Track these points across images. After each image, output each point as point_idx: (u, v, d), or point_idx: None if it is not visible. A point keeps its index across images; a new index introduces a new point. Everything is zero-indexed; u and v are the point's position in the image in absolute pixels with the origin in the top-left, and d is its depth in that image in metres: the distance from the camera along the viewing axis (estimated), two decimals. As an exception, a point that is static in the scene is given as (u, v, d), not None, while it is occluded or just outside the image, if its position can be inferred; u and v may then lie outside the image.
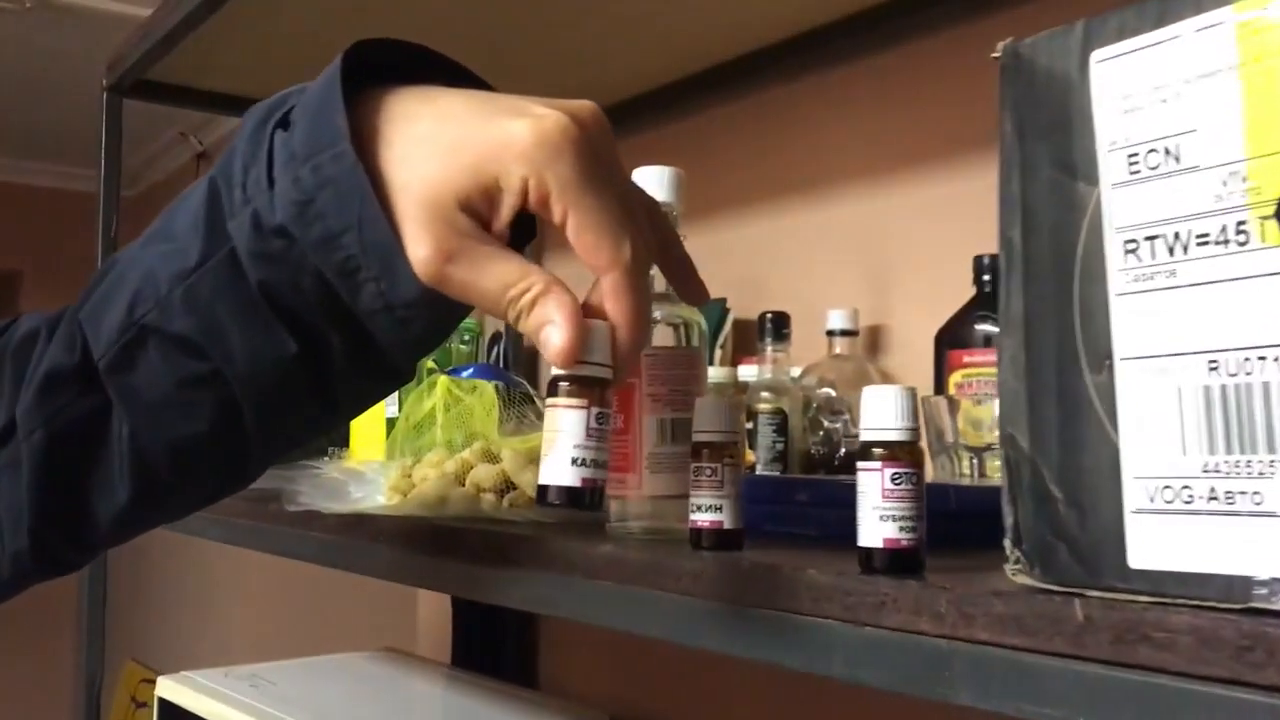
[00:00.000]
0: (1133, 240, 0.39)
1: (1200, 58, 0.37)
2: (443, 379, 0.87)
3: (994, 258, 1.02)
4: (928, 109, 1.17)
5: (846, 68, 1.23)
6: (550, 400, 0.46)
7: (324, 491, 0.93)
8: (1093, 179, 0.40)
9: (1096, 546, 0.40)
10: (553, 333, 0.45)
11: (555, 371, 0.46)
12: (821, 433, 1.14)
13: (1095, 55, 0.40)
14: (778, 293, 1.26)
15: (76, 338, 0.52)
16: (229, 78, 1.43)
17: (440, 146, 0.46)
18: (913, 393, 0.50)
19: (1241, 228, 0.36)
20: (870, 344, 1.21)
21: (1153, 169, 0.39)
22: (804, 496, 0.71)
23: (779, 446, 1.12)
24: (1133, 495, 0.39)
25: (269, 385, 0.50)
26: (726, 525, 0.58)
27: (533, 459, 0.80)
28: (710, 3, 1.14)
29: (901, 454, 0.49)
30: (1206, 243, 0.37)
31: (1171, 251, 0.38)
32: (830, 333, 1.15)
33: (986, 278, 1.02)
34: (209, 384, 0.50)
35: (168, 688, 1.34)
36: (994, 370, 1.04)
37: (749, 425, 1.10)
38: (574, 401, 0.45)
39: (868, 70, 1.22)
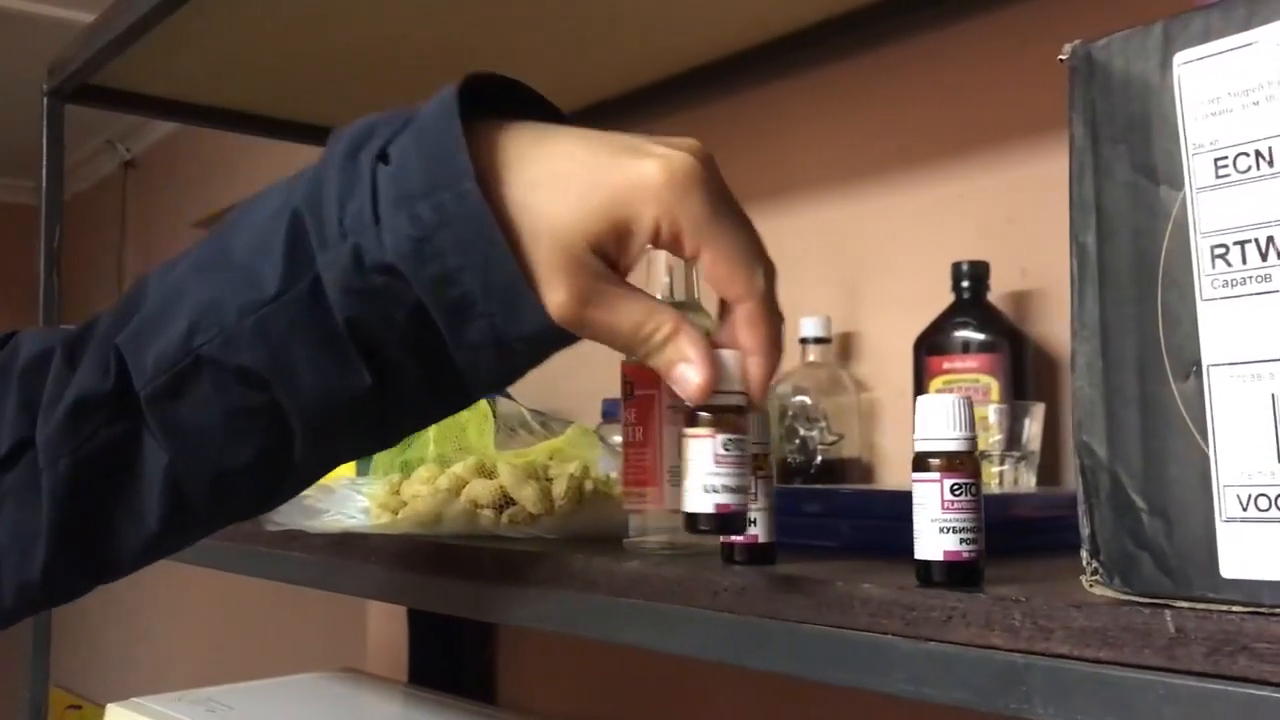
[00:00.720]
0: (1221, 245, 0.38)
1: (1296, 60, 0.37)
2: (433, 392, 0.84)
3: (973, 264, 1.03)
4: (897, 115, 1.17)
5: (820, 72, 1.23)
6: (686, 430, 0.49)
7: (302, 510, 0.90)
8: (1177, 183, 0.40)
9: (1185, 557, 0.40)
10: (688, 371, 0.47)
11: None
12: (797, 441, 1.13)
13: (1179, 57, 0.40)
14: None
15: (110, 363, 0.50)
16: (173, 83, 1.39)
17: (568, 190, 0.46)
18: (969, 401, 0.49)
19: (1344, 231, 0.36)
20: (843, 351, 1.21)
21: (1243, 172, 0.38)
22: (817, 507, 0.70)
23: (756, 455, 1.11)
24: (1225, 504, 0.39)
25: (332, 417, 0.49)
26: (761, 539, 0.57)
27: (530, 473, 0.78)
28: (683, 6, 1.13)
29: (960, 464, 0.48)
30: (1302, 247, 0.37)
31: (1264, 256, 0.37)
32: (803, 340, 1.15)
33: (965, 284, 1.02)
34: (262, 414, 0.49)
35: (118, 715, 1.29)
36: (974, 377, 1.04)
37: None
38: (704, 431, 0.48)
39: (841, 75, 1.22)
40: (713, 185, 0.47)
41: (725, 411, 0.48)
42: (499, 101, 0.51)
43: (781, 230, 1.28)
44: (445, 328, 0.47)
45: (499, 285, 0.45)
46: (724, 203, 0.48)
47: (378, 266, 0.46)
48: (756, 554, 0.57)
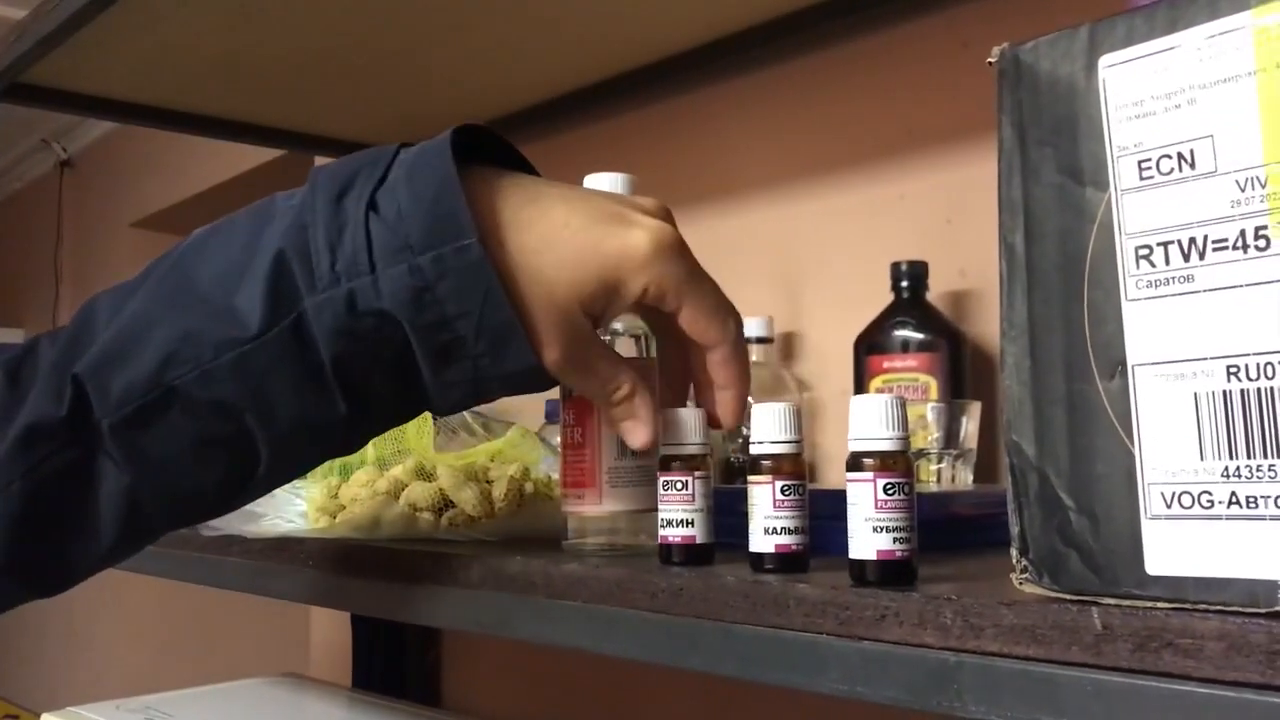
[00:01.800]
0: (1146, 246, 0.39)
1: (1216, 63, 0.37)
2: (371, 394, 0.84)
3: (912, 264, 1.04)
4: (837, 116, 1.18)
5: (758, 74, 1.24)
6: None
7: (240, 514, 0.89)
8: (1102, 184, 0.40)
9: (1111, 554, 0.40)
10: (635, 427, 0.57)
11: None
12: (740, 440, 1.14)
13: (1104, 60, 0.40)
14: (692, 301, 1.25)
15: (66, 391, 0.50)
16: (108, 81, 1.36)
17: (565, 257, 0.51)
18: (902, 401, 0.49)
19: (1261, 232, 0.36)
20: (785, 351, 1.21)
21: (1166, 174, 0.39)
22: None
23: (700, 456, 1.12)
24: (1149, 501, 0.39)
25: (304, 442, 0.52)
26: (699, 540, 0.57)
27: (470, 475, 0.78)
28: (620, 8, 1.13)
29: (893, 464, 0.48)
30: (1224, 248, 0.37)
31: (1187, 257, 0.38)
32: (745, 340, 1.15)
33: (905, 284, 1.03)
34: (230, 441, 0.51)
35: (53, 725, 1.26)
36: (914, 375, 1.05)
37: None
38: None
39: (781, 77, 1.22)
40: (687, 250, 0.55)
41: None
42: (473, 146, 0.55)
43: (722, 231, 1.29)
44: (428, 367, 0.50)
45: (491, 333, 0.49)
46: (696, 264, 0.55)
47: (371, 311, 0.48)
48: (694, 554, 0.57)
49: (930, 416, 0.85)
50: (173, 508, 0.53)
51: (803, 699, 1.13)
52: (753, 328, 1.15)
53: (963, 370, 1.00)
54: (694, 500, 0.57)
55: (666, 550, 0.58)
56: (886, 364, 1.04)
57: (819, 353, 1.19)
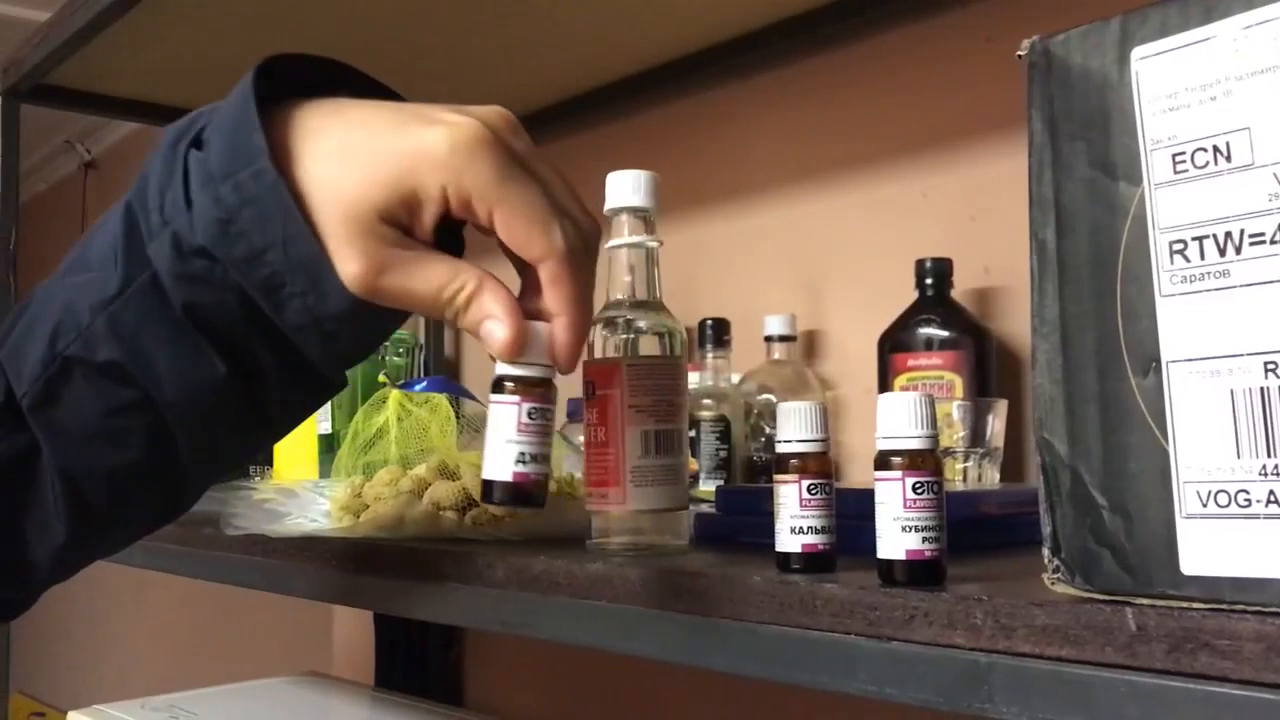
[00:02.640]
0: (1180, 241, 0.38)
1: (1253, 54, 0.37)
2: (395, 393, 0.84)
3: (936, 261, 1.03)
4: (860, 113, 1.17)
5: (780, 71, 1.23)
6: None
7: (263, 514, 0.89)
8: (1135, 178, 0.39)
9: (1145, 554, 0.39)
10: (494, 327, 0.46)
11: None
12: (763, 439, 1.13)
13: (1137, 53, 0.39)
14: (714, 299, 1.25)
15: (0, 379, 0.51)
16: (130, 82, 1.37)
17: (355, 161, 0.46)
18: (930, 400, 0.49)
19: (1301, 226, 0.36)
20: (808, 349, 1.21)
21: (1200, 168, 0.38)
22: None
23: (722, 454, 1.11)
24: (1184, 500, 0.38)
25: (199, 408, 0.50)
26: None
27: (493, 474, 0.77)
28: (641, 6, 1.12)
29: (922, 462, 0.48)
30: (1261, 242, 0.36)
31: (1223, 252, 0.37)
32: (768, 338, 1.15)
33: (929, 281, 1.02)
34: (138, 410, 0.50)
35: (79, 723, 1.27)
36: (939, 373, 1.04)
37: (691, 433, 1.09)
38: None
39: (803, 73, 1.22)
40: (501, 149, 0.46)
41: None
42: (326, 83, 0.51)
43: (745, 229, 1.28)
44: (267, 309, 0.47)
45: (301, 262, 0.45)
46: (515, 165, 0.47)
47: (194, 250, 0.46)
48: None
49: (956, 415, 0.85)
50: (110, 492, 0.52)
51: (826, 702, 1.12)
52: (775, 326, 1.14)
53: (988, 368, 0.99)
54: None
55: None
56: (911, 362, 1.03)
57: (842, 351, 1.18)
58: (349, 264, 0.45)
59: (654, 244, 0.66)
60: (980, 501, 0.69)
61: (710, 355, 1.15)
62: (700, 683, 1.26)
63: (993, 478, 0.84)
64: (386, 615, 1.61)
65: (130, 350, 0.48)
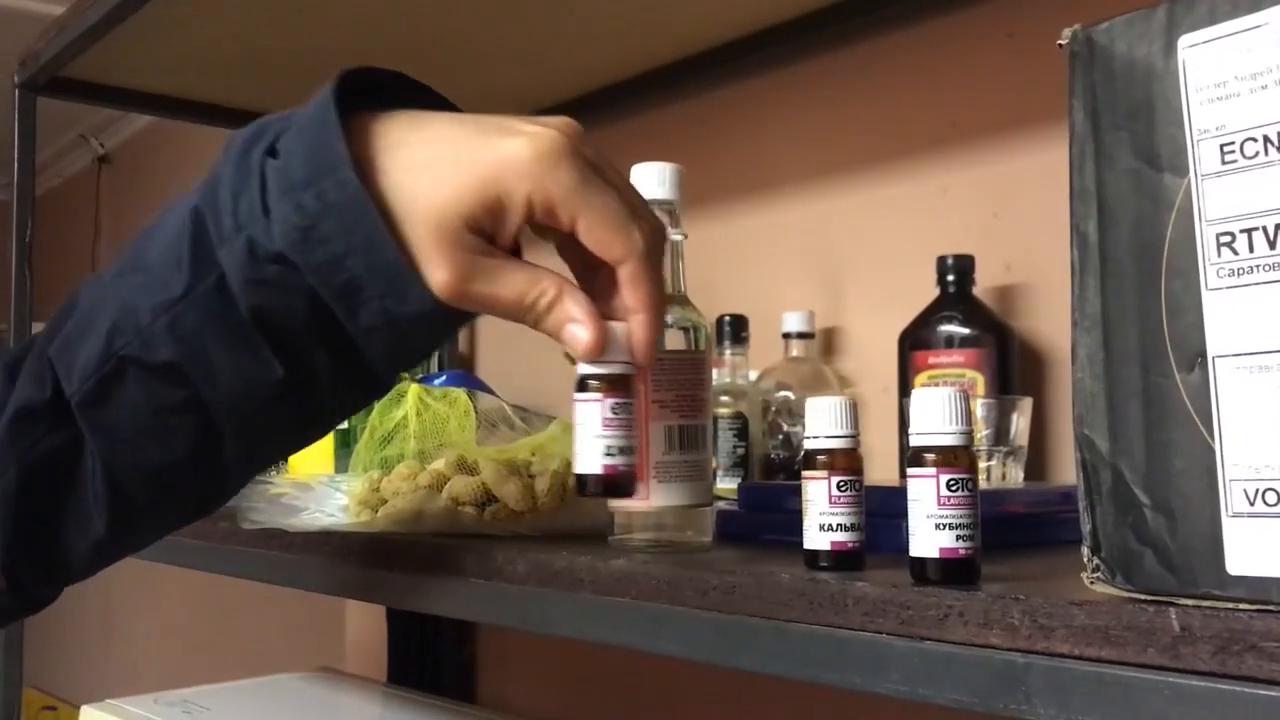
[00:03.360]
0: (1228, 233, 0.37)
1: (1306, 42, 0.36)
2: (414, 387, 0.83)
3: (959, 258, 1.02)
4: (880, 108, 1.16)
5: (802, 66, 1.22)
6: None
7: (280, 508, 0.88)
8: (1181, 169, 0.39)
9: (1189, 553, 0.39)
10: (577, 330, 0.49)
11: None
12: (781, 436, 1.12)
13: (1184, 40, 0.38)
14: (732, 295, 1.24)
15: (46, 374, 0.51)
16: (146, 76, 1.37)
17: (442, 172, 0.48)
18: (965, 395, 0.48)
19: (1355, 218, 0.35)
20: (826, 346, 1.20)
21: (1250, 158, 0.37)
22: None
23: (740, 451, 1.10)
24: (1231, 498, 0.38)
25: (252, 407, 0.51)
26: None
27: (513, 470, 0.77)
28: (663, 1, 1.12)
29: (956, 459, 0.47)
30: (1312, 234, 0.36)
31: (1273, 244, 0.37)
32: (786, 335, 1.14)
33: (951, 278, 1.01)
34: (189, 410, 0.50)
35: (92, 717, 1.27)
36: (960, 371, 1.03)
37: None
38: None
39: (824, 69, 1.21)
40: (580, 156, 0.49)
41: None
42: (390, 95, 0.53)
43: (765, 226, 1.27)
44: (340, 313, 0.48)
45: (382, 267, 0.47)
46: (594, 170, 0.49)
47: (270, 256, 0.47)
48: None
49: (980, 413, 0.84)
50: (151, 488, 0.53)
51: (853, 699, 1.12)
52: (794, 323, 1.13)
53: (1010, 366, 0.98)
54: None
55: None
56: (932, 359, 1.02)
57: (861, 348, 1.18)
58: (438, 271, 0.47)
59: (679, 237, 0.66)
60: (1006, 500, 0.68)
61: (728, 352, 1.14)
62: (716, 682, 1.25)
63: (1017, 477, 0.83)
64: (399, 612, 1.61)
65: (189, 351, 0.49)
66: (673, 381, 0.62)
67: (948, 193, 1.10)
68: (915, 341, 1.03)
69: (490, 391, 0.90)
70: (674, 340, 0.63)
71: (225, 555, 0.91)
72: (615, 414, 0.50)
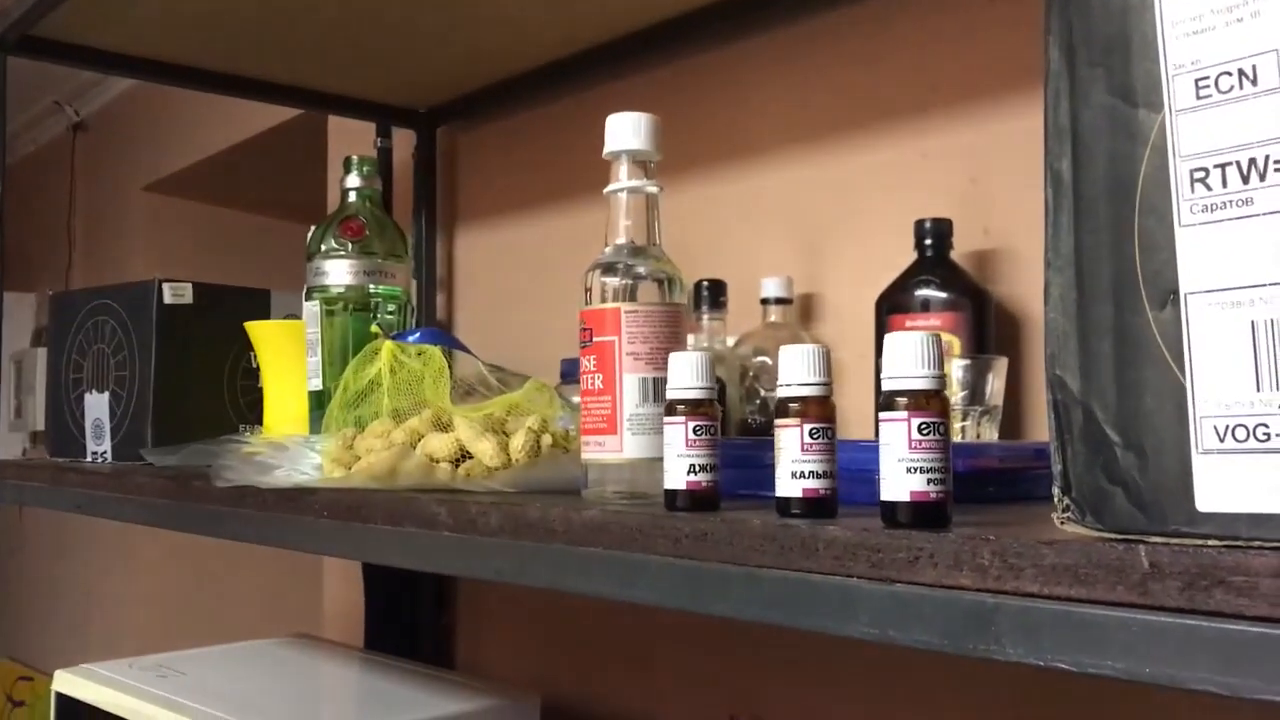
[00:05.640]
0: (1202, 169, 0.37)
1: (1282, -26, 0.35)
2: (388, 344, 0.82)
3: (936, 222, 1.02)
4: (860, 74, 1.16)
5: (780, 31, 1.21)
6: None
7: (253, 466, 0.88)
8: (1156, 105, 0.38)
9: (1159, 491, 0.38)
10: None
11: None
12: (758, 401, 1.12)
13: (1160, -26, 0.38)
14: (711, 261, 1.23)
15: None
16: (122, 36, 1.35)
17: None
18: (938, 339, 0.48)
19: (1329, 151, 0.34)
20: (805, 312, 1.20)
21: (1225, 93, 0.37)
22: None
23: (717, 415, 1.10)
24: (1202, 435, 0.37)
25: None
26: (705, 485, 0.56)
27: (488, 427, 0.76)
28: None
29: (928, 403, 0.47)
30: (1286, 168, 0.35)
31: (1246, 179, 0.36)
32: (765, 301, 1.14)
33: (929, 242, 1.01)
34: None
35: (66, 681, 1.26)
36: (937, 335, 1.03)
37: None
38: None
39: (802, 34, 1.20)
40: None
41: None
42: None
43: (743, 191, 1.27)
44: None
45: None
46: None
47: None
48: (699, 500, 0.56)
49: (956, 374, 0.84)
50: None
51: (825, 669, 1.12)
52: (772, 288, 1.13)
53: (987, 329, 0.98)
54: (699, 447, 0.56)
55: (672, 496, 0.57)
56: (909, 323, 1.02)
57: (839, 314, 1.17)
58: None
59: (654, 189, 0.65)
60: (980, 455, 0.68)
61: (706, 317, 1.14)
62: (694, 645, 1.25)
63: (992, 436, 0.83)
64: (377, 578, 1.61)
65: None
66: (647, 333, 0.62)
67: (927, 158, 1.10)
68: (892, 305, 1.03)
69: (465, 349, 0.90)
70: (648, 292, 0.63)
71: (198, 514, 0.90)
72: (696, 435, 0.57)
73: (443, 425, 0.77)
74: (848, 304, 1.16)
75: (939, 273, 1.00)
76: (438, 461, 0.75)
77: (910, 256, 1.01)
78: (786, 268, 1.18)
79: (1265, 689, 0.35)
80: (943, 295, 0.99)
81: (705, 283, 1.14)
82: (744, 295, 1.15)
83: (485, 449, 0.74)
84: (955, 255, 1.01)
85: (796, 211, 1.22)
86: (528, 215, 1.53)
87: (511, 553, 0.62)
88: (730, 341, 1.14)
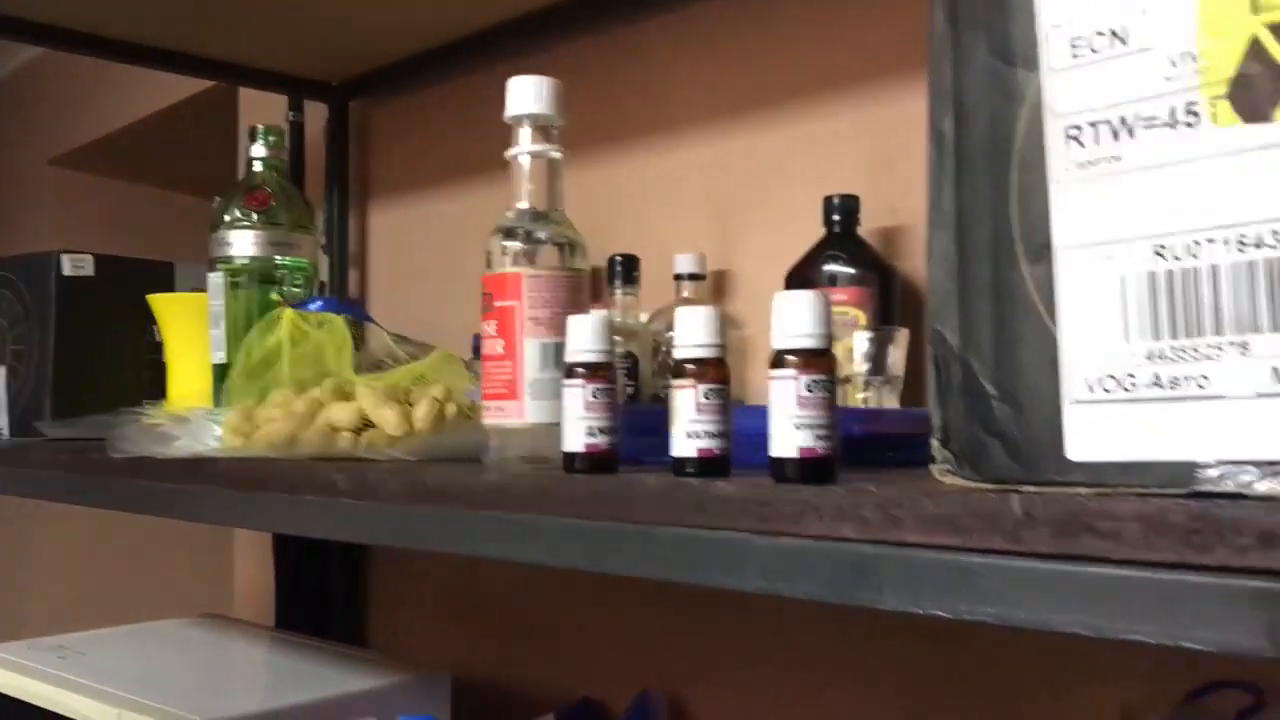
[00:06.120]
0: (1075, 126, 0.38)
1: (1151, -65, 0.36)
2: (289, 312, 0.81)
3: (844, 198, 1.03)
4: (773, 51, 1.16)
5: (694, 7, 1.22)
6: (673, 381, 0.56)
7: (152, 437, 0.86)
8: (1032, 65, 0.39)
9: (1033, 442, 0.40)
10: None
11: (676, 355, 0.56)
12: (670, 376, 1.13)
13: (1037, -64, 0.39)
14: (624, 237, 1.24)
15: None
16: (26, 1, 1.31)
17: None
18: (826, 298, 0.48)
19: (1192, 109, 0.36)
20: (717, 288, 1.20)
21: (1097, 52, 0.38)
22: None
23: (629, 390, 1.11)
24: (1072, 387, 0.39)
25: None
26: (603, 447, 0.56)
27: (392, 395, 0.76)
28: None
29: (817, 361, 0.47)
30: (1154, 125, 0.36)
31: (1116, 136, 0.37)
32: (678, 277, 1.14)
33: (836, 218, 1.02)
34: None
35: (-39, 664, 1.23)
36: (844, 309, 1.05)
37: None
38: (688, 382, 0.55)
39: (715, 11, 1.20)
40: None
41: (708, 361, 0.54)
42: None
43: (656, 168, 1.27)
44: None
45: None
46: None
47: None
48: (600, 463, 0.56)
49: (860, 346, 0.85)
50: None
51: (732, 639, 1.13)
52: (685, 264, 1.14)
53: (892, 305, 1.00)
54: (599, 410, 0.56)
55: (570, 459, 0.57)
56: (818, 299, 1.03)
57: (751, 290, 1.18)
58: None
59: (556, 155, 0.65)
60: (878, 419, 0.69)
61: (620, 292, 1.14)
62: (608, 622, 1.26)
63: (893, 405, 0.85)
64: (287, 557, 1.59)
65: None
66: (548, 299, 0.62)
67: (838, 135, 1.11)
68: (800, 281, 1.04)
69: (370, 320, 0.89)
70: (549, 257, 0.63)
71: (92, 487, 0.89)
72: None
73: (345, 395, 0.76)
74: (759, 280, 1.17)
75: (847, 249, 1.02)
76: (339, 430, 0.74)
77: (820, 233, 1.02)
78: (700, 244, 1.18)
79: (1129, 629, 0.36)
80: (850, 271, 1.01)
81: (619, 258, 1.14)
82: (658, 272, 1.16)
83: (388, 417, 0.73)
84: (863, 231, 1.02)
85: (711, 188, 1.22)
86: (441, 190, 1.51)
87: (412, 519, 0.62)
88: (644, 317, 1.15)
